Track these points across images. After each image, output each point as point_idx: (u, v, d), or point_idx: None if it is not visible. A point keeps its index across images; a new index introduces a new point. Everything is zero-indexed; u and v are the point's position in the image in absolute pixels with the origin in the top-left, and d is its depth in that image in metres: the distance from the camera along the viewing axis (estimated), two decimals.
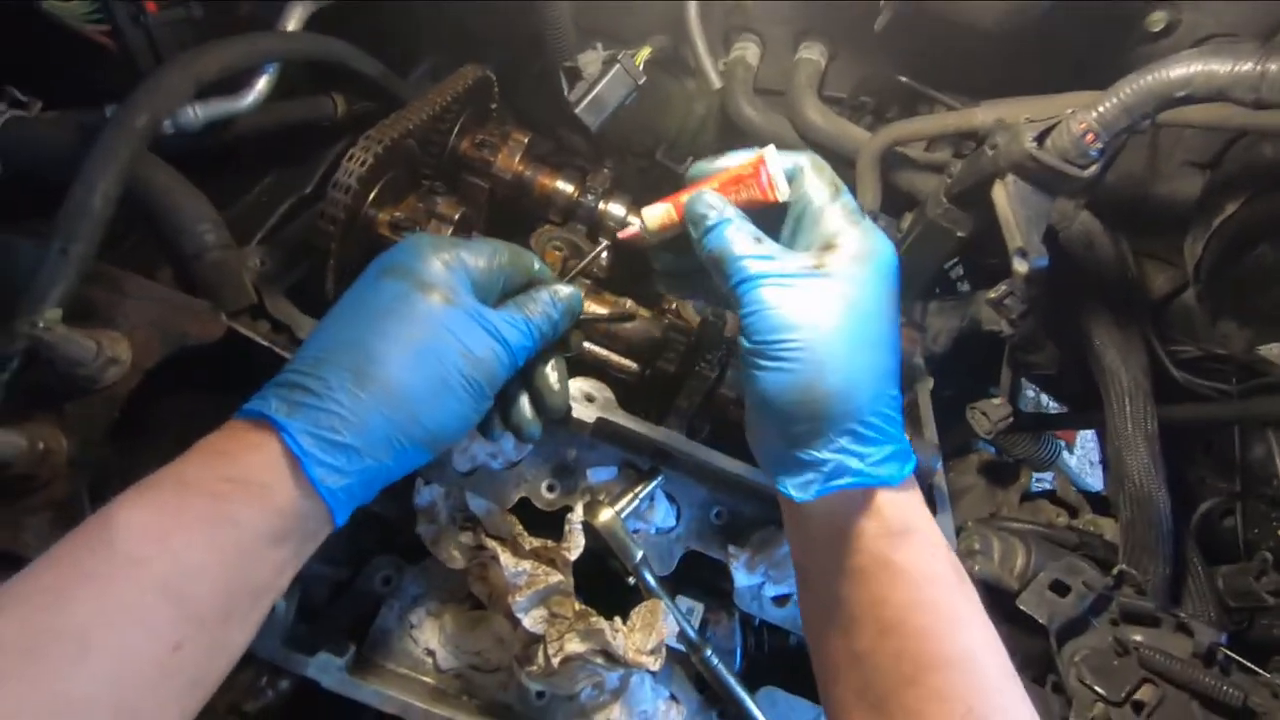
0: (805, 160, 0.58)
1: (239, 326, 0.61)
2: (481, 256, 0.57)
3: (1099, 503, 1.28)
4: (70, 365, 0.52)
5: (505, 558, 0.68)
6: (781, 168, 0.57)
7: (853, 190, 1.10)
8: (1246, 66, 0.64)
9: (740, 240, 0.54)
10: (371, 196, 0.73)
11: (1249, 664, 0.85)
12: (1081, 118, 0.77)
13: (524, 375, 0.62)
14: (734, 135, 1.20)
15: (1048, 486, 1.38)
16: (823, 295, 0.51)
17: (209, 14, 0.72)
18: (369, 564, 0.78)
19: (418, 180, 0.87)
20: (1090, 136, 0.77)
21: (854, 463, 0.51)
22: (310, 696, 0.71)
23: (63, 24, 0.61)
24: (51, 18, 0.60)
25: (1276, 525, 1.17)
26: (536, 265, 0.64)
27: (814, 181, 0.56)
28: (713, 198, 0.57)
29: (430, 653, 0.76)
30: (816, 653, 0.58)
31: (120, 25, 0.64)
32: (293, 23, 0.78)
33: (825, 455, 0.51)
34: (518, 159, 0.93)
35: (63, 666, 0.38)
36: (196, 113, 0.74)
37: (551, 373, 0.61)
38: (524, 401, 0.61)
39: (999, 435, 1.31)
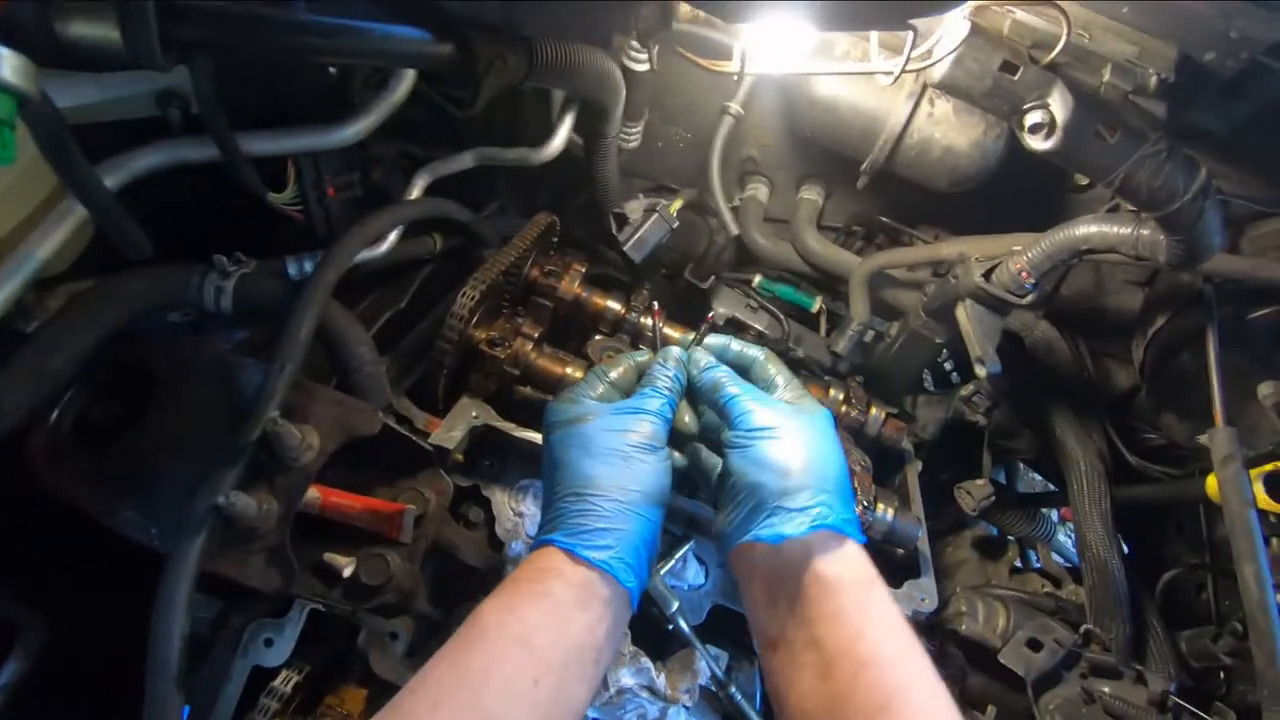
0: (759, 353, 0.80)
1: (388, 421, 0.83)
2: (599, 383, 0.77)
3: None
4: (284, 450, 0.73)
5: None
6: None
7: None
8: (1126, 230, 0.87)
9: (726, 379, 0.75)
10: (473, 320, 0.97)
11: (1194, 709, 0.99)
12: (1017, 259, 1.00)
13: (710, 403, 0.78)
14: (749, 257, 1.46)
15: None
16: (791, 410, 0.71)
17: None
18: (454, 612, 0.97)
19: (500, 303, 1.11)
20: (1025, 274, 1.00)
21: (833, 514, 0.65)
22: None
23: (274, 207, 0.87)
24: (269, 204, 0.86)
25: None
26: (641, 357, 0.81)
27: (767, 369, 0.79)
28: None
29: None
30: (788, 709, 0.64)
31: (310, 206, 0.90)
32: (416, 190, 1.04)
33: (812, 503, 0.65)
34: (577, 284, 1.17)
35: (477, 696, 0.57)
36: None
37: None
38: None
39: (997, 515, 1.48)
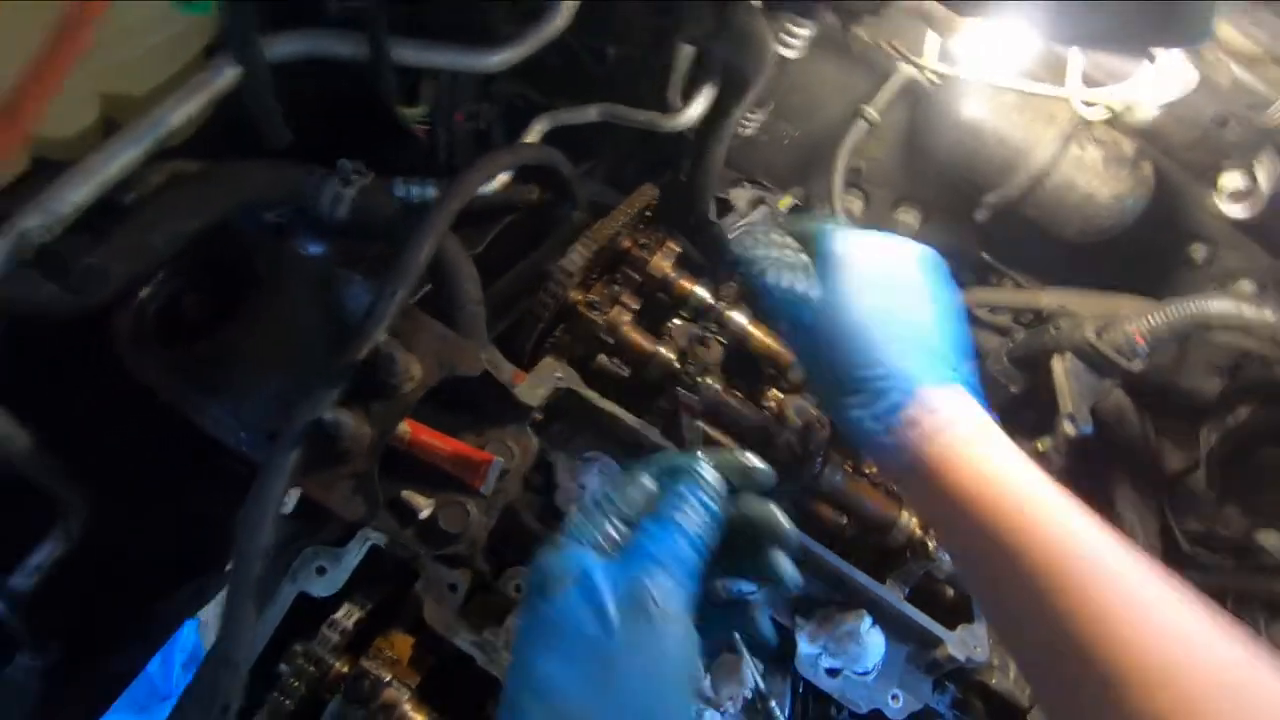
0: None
1: (488, 366, 0.79)
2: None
3: None
4: (388, 374, 0.69)
5: None
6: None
7: None
8: (1271, 317, 0.85)
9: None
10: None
11: None
12: (1135, 323, 0.97)
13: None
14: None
15: None
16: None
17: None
18: (504, 572, 0.92)
19: (592, 267, 1.07)
20: (1140, 339, 0.97)
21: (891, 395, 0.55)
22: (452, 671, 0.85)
23: (402, 121, 0.82)
24: (399, 118, 0.81)
25: None
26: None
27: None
28: None
29: None
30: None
31: (437, 128, 0.86)
32: (534, 135, 1.00)
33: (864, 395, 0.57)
34: (669, 263, 1.13)
35: None
36: None
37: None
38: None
39: None
